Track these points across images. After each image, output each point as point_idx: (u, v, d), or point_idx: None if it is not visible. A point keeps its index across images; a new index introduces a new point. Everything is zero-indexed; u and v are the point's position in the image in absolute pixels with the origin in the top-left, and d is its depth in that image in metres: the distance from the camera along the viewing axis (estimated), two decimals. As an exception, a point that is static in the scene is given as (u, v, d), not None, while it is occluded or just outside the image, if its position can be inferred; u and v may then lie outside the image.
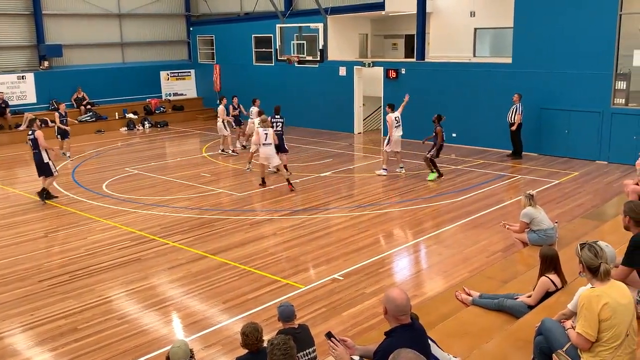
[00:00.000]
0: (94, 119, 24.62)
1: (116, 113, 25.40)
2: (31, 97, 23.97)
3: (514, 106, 16.97)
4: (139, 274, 9.45)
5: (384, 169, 15.65)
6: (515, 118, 16.97)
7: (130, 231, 11.52)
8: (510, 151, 17.61)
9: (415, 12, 20.34)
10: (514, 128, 17.15)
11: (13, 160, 19.52)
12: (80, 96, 24.74)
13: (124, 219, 12.35)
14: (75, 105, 24.64)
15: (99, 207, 13.28)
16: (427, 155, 14.92)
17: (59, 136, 19.15)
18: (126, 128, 25.00)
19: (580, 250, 4.63)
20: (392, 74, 21.02)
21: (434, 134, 14.87)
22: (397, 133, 15.50)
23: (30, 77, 23.93)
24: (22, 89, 23.77)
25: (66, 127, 19.18)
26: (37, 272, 9.58)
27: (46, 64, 24.47)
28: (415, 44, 20.88)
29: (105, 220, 12.28)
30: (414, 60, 20.98)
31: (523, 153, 17.58)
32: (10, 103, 22.99)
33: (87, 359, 6.95)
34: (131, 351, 7.08)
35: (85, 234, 11.48)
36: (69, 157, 18.98)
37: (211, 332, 7.53)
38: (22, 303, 8.44)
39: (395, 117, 15.53)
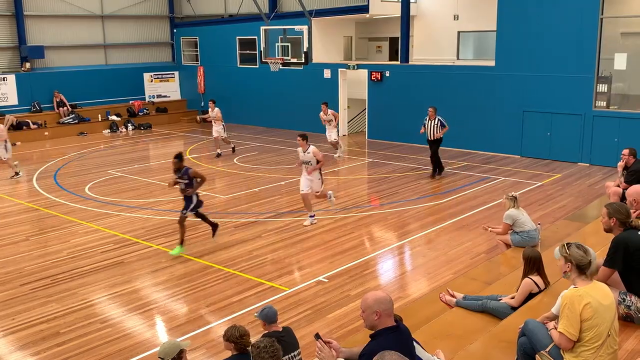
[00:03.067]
0: (76, 121, 24.41)
1: (99, 115, 25.22)
2: (12, 99, 23.70)
3: (431, 121, 15.09)
4: (122, 277, 9.38)
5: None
6: (436, 134, 15.09)
7: (113, 234, 11.43)
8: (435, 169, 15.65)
9: (399, 15, 20.43)
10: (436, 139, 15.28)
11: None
12: (58, 100, 24.49)
13: (107, 221, 12.25)
14: (56, 107, 24.41)
15: (81, 209, 13.16)
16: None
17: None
18: (109, 130, 24.82)
19: (569, 248, 4.67)
20: (377, 77, 21.09)
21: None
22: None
23: (11, 78, 23.66)
24: (3, 91, 23.51)
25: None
26: (18, 275, 9.47)
27: (28, 65, 24.21)
28: (400, 46, 20.97)
29: (87, 223, 12.17)
30: (398, 62, 21.07)
31: (504, 155, 17.72)
32: (-10, 105, 22.73)
33: (69, 363, 6.89)
34: (114, 355, 7.02)
35: (68, 237, 11.37)
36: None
37: (195, 335, 7.48)
38: (2, 307, 8.34)
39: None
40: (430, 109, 15.20)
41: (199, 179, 10.33)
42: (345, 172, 16.91)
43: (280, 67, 19.13)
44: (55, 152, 20.00)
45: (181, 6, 28.97)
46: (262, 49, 19.59)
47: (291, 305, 8.22)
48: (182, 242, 10.31)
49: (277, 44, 19.03)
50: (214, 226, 10.77)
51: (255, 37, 23.24)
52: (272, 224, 11.96)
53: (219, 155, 18.83)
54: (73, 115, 24.52)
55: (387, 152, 19.16)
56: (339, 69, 22.25)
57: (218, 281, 9.15)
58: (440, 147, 15.46)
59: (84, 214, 12.79)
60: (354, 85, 22.39)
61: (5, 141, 16.26)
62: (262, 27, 19.60)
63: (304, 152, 11.55)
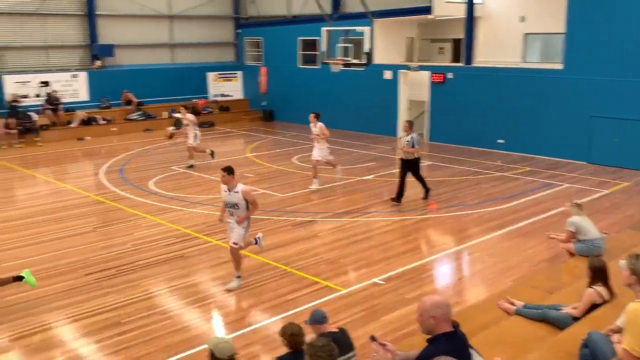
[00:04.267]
0: (143, 118, 25.18)
1: (164, 112, 25.91)
2: (83, 95, 24.68)
3: (408, 137, 12.98)
4: (182, 270, 9.61)
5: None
6: (410, 150, 13.03)
7: (175, 228, 11.72)
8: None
9: (463, 16, 20.09)
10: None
11: (64, 156, 20.11)
12: (127, 99, 25.31)
13: (170, 216, 12.58)
14: (124, 104, 25.26)
15: (145, 204, 13.56)
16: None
17: None
18: (174, 127, 25.45)
19: (636, 260, 4.48)
20: (439, 79, 20.82)
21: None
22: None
23: (83, 75, 24.64)
24: (75, 87, 24.49)
25: None
26: (84, 265, 9.84)
27: (98, 63, 25.15)
28: (463, 48, 20.63)
29: (151, 217, 12.53)
30: (461, 64, 20.73)
31: (569, 161, 17.18)
32: (63, 101, 23.71)
33: (130, 352, 7.10)
34: (172, 346, 7.19)
35: (132, 229, 11.73)
36: None
37: (250, 331, 7.59)
38: (68, 295, 8.68)
39: None
40: (405, 122, 13.36)
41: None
42: (403, 174, 16.75)
43: (341, 68, 19.15)
44: (121, 148, 20.69)
45: (246, 7, 29.43)
46: (323, 50, 19.67)
47: (346, 305, 8.21)
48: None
49: (338, 45, 19.07)
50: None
51: (317, 37, 23.35)
52: (328, 223, 11.98)
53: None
54: (140, 112, 25.30)
55: (447, 155, 18.88)
56: (400, 71, 22.09)
57: (274, 278, 9.25)
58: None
59: (148, 208, 13.18)
60: (414, 86, 22.19)
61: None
62: (324, 28, 19.67)
63: (229, 192, 8.70)
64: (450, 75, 20.59)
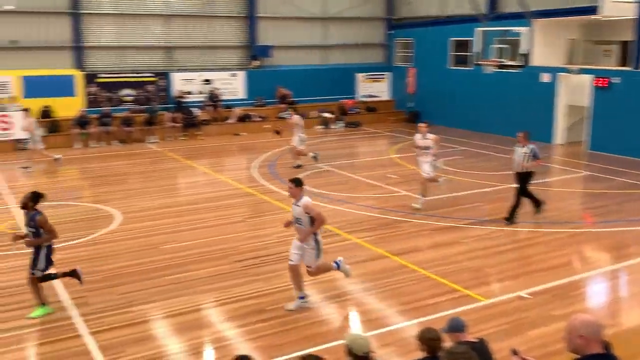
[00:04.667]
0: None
1: (313, 112, 26.67)
2: (241, 93, 26.14)
3: (525, 149, 11.86)
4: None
5: None
6: (529, 164, 11.88)
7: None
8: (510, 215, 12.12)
9: (633, 17, 18.49)
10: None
11: (221, 149, 21.45)
12: (281, 95, 26.36)
13: (313, 212, 12.90)
14: (278, 101, 26.35)
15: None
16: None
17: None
18: (322, 126, 26.14)
19: None
20: (602, 83, 19.35)
21: None
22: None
23: (241, 74, 26.10)
24: (234, 86, 26.00)
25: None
26: (234, 253, 10.42)
27: (256, 63, 26.49)
28: (632, 51, 18.98)
29: (296, 211, 12.95)
30: (629, 68, 19.11)
31: None
32: (222, 98, 25.30)
33: (270, 339, 7.40)
34: (309, 338, 7.39)
35: (278, 222, 12.17)
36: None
37: (387, 332, 7.58)
38: (217, 280, 9.24)
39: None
40: (519, 134, 12.00)
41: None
42: (557, 184, 15.81)
43: (495, 70, 18.47)
44: (273, 144, 21.62)
45: (399, 8, 29.40)
46: (476, 51, 19.10)
47: (487, 317, 7.92)
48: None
49: (492, 46, 18.40)
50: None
51: (470, 38, 22.72)
52: (472, 230, 11.62)
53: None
54: (289, 111, 26.25)
55: (608, 166, 17.50)
56: (559, 74, 20.84)
57: (413, 282, 9.16)
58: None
59: (293, 203, 13.63)
60: (574, 91, 20.83)
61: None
62: (478, 29, 19.09)
63: (295, 204, 8.20)
64: (616, 80, 19.05)
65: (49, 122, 21.74)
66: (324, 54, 28.41)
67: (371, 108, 28.24)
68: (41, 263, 8.03)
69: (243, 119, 25.10)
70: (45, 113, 21.97)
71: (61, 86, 22.36)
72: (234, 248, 10.66)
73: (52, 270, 8.31)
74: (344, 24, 28.40)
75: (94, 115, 22.11)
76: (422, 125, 13.23)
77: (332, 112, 26.80)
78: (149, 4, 24.45)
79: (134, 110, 23.26)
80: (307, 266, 8.18)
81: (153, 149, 21.30)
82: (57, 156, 18.30)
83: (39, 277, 8.09)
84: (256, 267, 9.76)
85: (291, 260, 8.16)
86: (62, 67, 22.78)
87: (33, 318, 7.93)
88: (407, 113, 27.63)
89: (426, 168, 13.10)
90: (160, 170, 17.74)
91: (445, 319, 7.27)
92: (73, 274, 8.52)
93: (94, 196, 15.03)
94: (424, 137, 13.08)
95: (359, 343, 4.79)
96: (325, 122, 26.26)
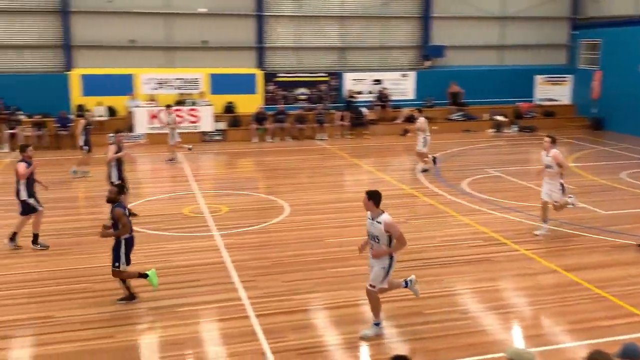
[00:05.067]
0: (463, 119, 25.50)
1: (485, 114, 25.80)
2: (410, 94, 26.08)
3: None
4: (487, 274, 9.49)
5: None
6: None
7: (484, 231, 11.63)
8: None
9: None
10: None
11: (387, 149, 21.60)
12: (453, 91, 25.83)
13: (480, 218, 12.52)
14: (449, 100, 25.85)
15: (456, 203, 13.74)
16: None
17: (84, 147, 16.92)
18: (493, 130, 25.21)
19: None
20: None
21: None
22: None
23: (412, 75, 26.02)
24: (404, 86, 26.01)
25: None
26: (395, 253, 10.41)
27: (428, 63, 26.26)
28: None
29: (461, 216, 12.65)
30: None
31: None
32: (391, 98, 25.42)
33: (426, 343, 7.32)
34: (467, 347, 7.18)
35: (441, 226, 12.02)
36: (75, 172, 16.77)
37: (552, 350, 7.14)
38: (378, 278, 9.31)
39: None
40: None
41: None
42: None
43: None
44: (440, 146, 21.30)
45: (585, 6, 27.38)
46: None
47: (671, 347, 7.10)
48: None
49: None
50: None
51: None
52: (659, 251, 10.49)
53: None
54: (461, 112, 25.68)
55: None
56: None
57: (585, 300, 8.51)
58: None
59: (458, 207, 13.33)
60: None
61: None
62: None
63: (372, 220, 7.62)
64: None
65: (231, 117, 23.44)
66: (500, 54, 27.33)
67: (549, 112, 26.63)
68: (122, 257, 8.23)
69: (410, 119, 25.02)
70: (228, 108, 23.73)
71: (244, 84, 24.01)
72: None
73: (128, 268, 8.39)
74: (524, 23, 27.06)
75: (271, 113, 23.40)
76: (545, 139, 11.25)
77: (505, 116, 25.72)
78: (326, 6, 25.32)
79: (307, 109, 24.22)
80: (370, 285, 7.35)
81: (322, 146, 22.04)
82: (189, 147, 19.44)
83: (119, 271, 8.29)
84: (416, 269, 9.68)
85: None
86: (245, 66, 24.42)
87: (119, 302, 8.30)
88: (590, 120, 25.66)
89: (550, 193, 11.14)
90: (327, 166, 18.32)
91: (619, 343, 6.67)
92: (146, 277, 8.54)
93: (267, 187, 15.93)
94: (547, 154, 11.14)
95: (525, 358, 4.54)
96: (498, 126, 25.26)
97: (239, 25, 24.35)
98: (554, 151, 11.01)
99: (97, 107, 22.07)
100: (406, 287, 7.90)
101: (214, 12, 23.95)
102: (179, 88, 23.36)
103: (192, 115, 22.43)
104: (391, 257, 7.40)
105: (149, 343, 7.43)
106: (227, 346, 7.27)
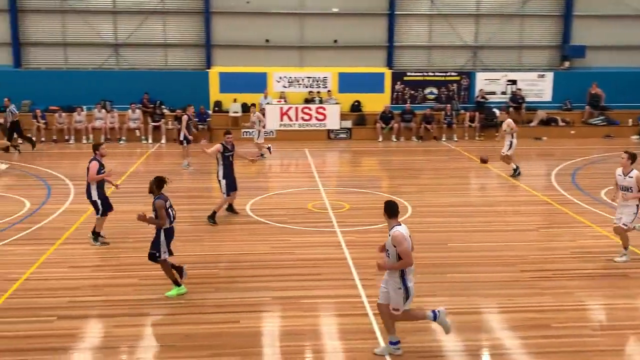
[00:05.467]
0: (604, 123, 23.84)
1: (630, 120, 23.93)
2: (547, 96, 24.79)
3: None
4: (623, 290, 8.81)
5: None
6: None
7: (620, 243, 10.78)
8: None
9: None
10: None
11: (519, 153, 20.55)
12: (594, 94, 24.16)
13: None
14: (589, 103, 24.22)
15: (593, 213, 12.87)
16: None
17: (184, 142, 17.46)
18: (638, 136, 23.33)
19: None
20: None
21: None
22: None
23: (549, 76, 24.73)
24: (540, 87, 24.78)
25: (188, 134, 17.56)
26: (521, 261, 9.97)
27: (567, 64, 24.82)
28: None
29: (597, 227, 11.84)
30: None
31: None
32: (526, 100, 24.31)
33: (553, 357, 6.92)
34: (600, 367, 6.72)
35: (575, 236, 11.33)
36: (187, 165, 17.49)
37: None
38: (501, 286, 8.96)
39: None
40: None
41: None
42: None
43: None
44: (577, 152, 20.07)
45: None
46: None
47: None
48: None
49: None
50: None
51: None
52: None
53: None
54: (602, 117, 24.02)
55: None
56: None
57: None
58: None
59: (595, 218, 12.47)
60: None
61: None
62: None
63: (624, 176, 9.74)
64: None
65: (357, 116, 23.62)
66: (650, 55, 25.24)
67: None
68: (163, 246, 8.46)
69: (546, 122, 23.80)
70: (355, 107, 23.93)
71: (371, 83, 24.10)
72: (522, 257, 10.20)
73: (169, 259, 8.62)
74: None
75: (397, 112, 23.28)
76: (623, 156, 9.91)
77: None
78: (461, 4, 24.78)
79: (435, 109, 23.81)
80: (394, 309, 6.85)
81: (449, 147, 21.58)
82: (268, 146, 19.32)
83: (161, 260, 8.53)
84: (544, 280, 9.20)
85: (379, 298, 7.03)
86: (374, 66, 24.50)
87: (168, 297, 8.43)
88: None
89: (621, 216, 9.89)
90: (453, 168, 17.90)
91: None
92: (180, 270, 8.68)
93: (390, 187, 15.90)
94: (627, 175, 9.81)
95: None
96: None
97: (370, 24, 24.48)
98: (637, 172, 9.68)
99: (233, 103, 23.17)
100: (435, 320, 6.96)
101: (345, 12, 24.26)
102: (308, 86, 23.92)
103: (320, 113, 22.87)
104: (405, 280, 6.72)
105: (271, 331, 7.67)
106: (344, 341, 7.34)
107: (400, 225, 6.79)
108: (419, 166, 18.49)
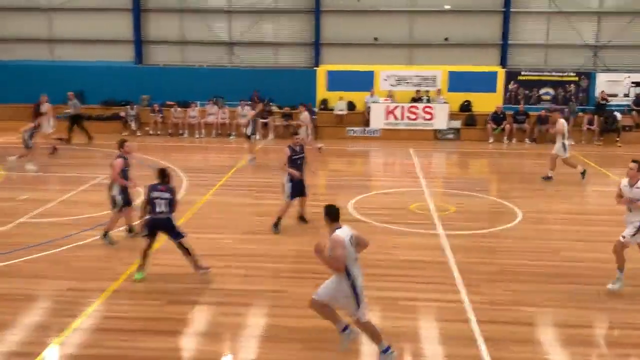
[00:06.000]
0: None
1: None
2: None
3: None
4: None
5: None
6: None
7: None
8: None
9: None
10: None
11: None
12: None
13: None
14: None
15: None
16: None
17: (252, 136, 17.91)
18: None
19: None
20: None
21: None
22: None
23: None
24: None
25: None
26: (636, 276, 9.26)
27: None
28: None
29: None
30: None
31: None
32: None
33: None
34: None
35: None
36: (252, 160, 17.73)
37: None
38: (614, 301, 8.37)
39: None
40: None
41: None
42: None
43: None
44: None
45: None
46: None
47: None
48: None
49: None
50: None
51: None
52: None
53: None
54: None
55: None
56: None
57: None
58: None
59: None
60: None
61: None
62: None
63: (631, 187, 8.73)
64: None
65: (467, 116, 22.99)
66: None
67: None
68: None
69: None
70: (465, 107, 23.30)
71: (483, 82, 23.35)
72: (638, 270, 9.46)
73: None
74: None
75: (509, 113, 22.41)
76: (631, 166, 8.87)
77: None
78: (582, 1, 23.48)
79: (551, 110, 22.67)
80: (357, 318, 6.58)
81: (564, 151, 20.46)
82: (320, 145, 18.93)
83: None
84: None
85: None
86: (486, 64, 23.73)
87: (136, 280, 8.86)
88: None
89: (626, 230, 8.80)
90: (568, 173, 16.94)
91: None
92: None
93: (499, 191, 15.34)
94: (634, 185, 8.79)
95: None
96: None
97: (483, 21, 23.77)
98: None
99: (339, 101, 23.31)
100: (384, 353, 6.66)
101: (458, 9, 23.69)
102: (416, 85, 23.58)
103: (427, 113, 22.48)
104: (351, 281, 6.43)
105: (368, 331, 7.62)
106: (444, 346, 7.15)
107: (340, 228, 6.49)
108: (531, 170, 17.68)
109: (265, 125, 22.63)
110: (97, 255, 10.02)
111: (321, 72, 23.90)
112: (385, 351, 6.65)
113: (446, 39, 23.86)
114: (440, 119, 22.49)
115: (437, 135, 22.56)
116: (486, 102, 22.90)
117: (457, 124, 22.71)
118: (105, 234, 10.50)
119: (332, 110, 23.42)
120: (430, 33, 23.97)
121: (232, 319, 7.79)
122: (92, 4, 24.61)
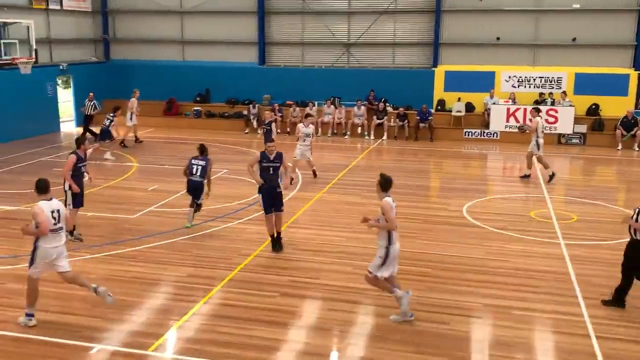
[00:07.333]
0: None
1: None
2: None
3: None
4: None
5: None
6: None
7: None
8: None
9: None
10: None
11: None
12: None
13: None
14: None
15: None
16: None
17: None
18: None
19: None
20: None
21: None
22: None
23: None
24: None
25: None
26: None
27: None
28: None
29: None
30: None
31: None
32: None
33: None
34: None
35: None
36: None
37: None
38: None
39: None
40: None
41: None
42: None
43: None
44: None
45: None
46: None
47: None
48: None
49: None
50: None
51: None
52: None
53: None
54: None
55: None
56: None
57: None
58: None
59: None
60: None
61: None
62: None
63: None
64: None
65: (594, 120, 21.66)
66: None
67: None
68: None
69: None
70: (592, 110, 21.96)
71: (613, 85, 21.84)
72: None
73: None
74: None
75: (643, 118, 20.86)
76: None
77: None
78: None
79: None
80: (369, 270, 7.69)
81: None
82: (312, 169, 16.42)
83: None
84: None
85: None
86: (617, 66, 22.24)
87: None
88: None
89: None
90: None
91: None
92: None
93: (626, 200, 14.35)
94: None
95: None
96: None
97: (615, 21, 22.27)
98: None
99: (456, 102, 22.81)
100: (400, 299, 7.64)
101: (587, 8, 22.38)
102: (540, 87, 22.56)
103: (550, 116, 21.42)
104: (387, 247, 7.48)
105: (480, 338, 7.42)
106: (559, 361, 6.84)
107: (389, 197, 7.57)
108: (663, 180, 16.39)
109: (380, 125, 22.62)
110: (215, 245, 10.54)
111: (439, 72, 23.48)
112: (406, 294, 7.63)
113: (574, 39, 22.62)
114: (565, 123, 21.32)
115: (561, 140, 21.44)
116: (616, 106, 21.41)
117: (583, 128, 21.44)
118: (71, 233, 10.33)
119: (449, 111, 22.97)
120: (556, 33, 22.81)
121: (340, 315, 7.90)
122: (220, 7, 25.79)
